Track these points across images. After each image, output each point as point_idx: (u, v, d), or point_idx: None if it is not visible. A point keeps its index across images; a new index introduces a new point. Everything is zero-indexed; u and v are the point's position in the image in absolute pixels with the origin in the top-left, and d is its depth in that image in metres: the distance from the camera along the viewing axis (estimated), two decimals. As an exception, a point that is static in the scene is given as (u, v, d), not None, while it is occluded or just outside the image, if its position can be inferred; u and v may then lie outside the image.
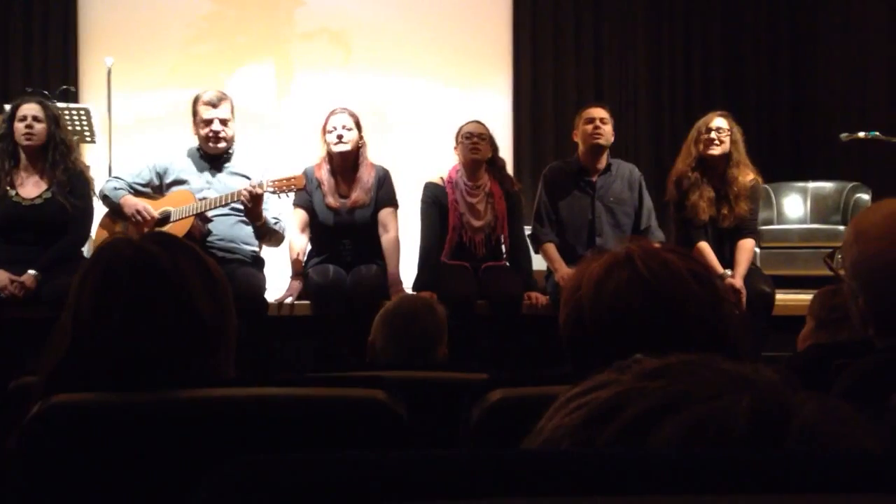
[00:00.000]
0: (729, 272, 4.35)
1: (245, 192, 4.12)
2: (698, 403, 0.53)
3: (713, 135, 4.43)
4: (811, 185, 6.22)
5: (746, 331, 4.00)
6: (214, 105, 4.29)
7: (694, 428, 0.52)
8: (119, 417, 1.22)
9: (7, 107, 4.29)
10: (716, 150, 4.42)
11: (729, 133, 4.45)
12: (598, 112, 4.56)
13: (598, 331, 1.25)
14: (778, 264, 5.48)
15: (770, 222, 6.03)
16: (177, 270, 1.29)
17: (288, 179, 4.19)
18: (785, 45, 7.21)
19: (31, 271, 4.00)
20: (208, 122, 4.28)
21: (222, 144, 4.34)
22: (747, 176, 4.46)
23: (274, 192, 4.19)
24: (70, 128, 5.05)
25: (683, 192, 4.46)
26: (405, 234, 4.56)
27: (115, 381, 1.24)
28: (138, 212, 4.24)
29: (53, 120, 4.15)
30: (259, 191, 4.12)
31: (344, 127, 4.36)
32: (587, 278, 1.27)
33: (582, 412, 0.55)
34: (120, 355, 1.26)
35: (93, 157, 5.84)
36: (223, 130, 4.30)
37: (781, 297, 4.52)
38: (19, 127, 4.10)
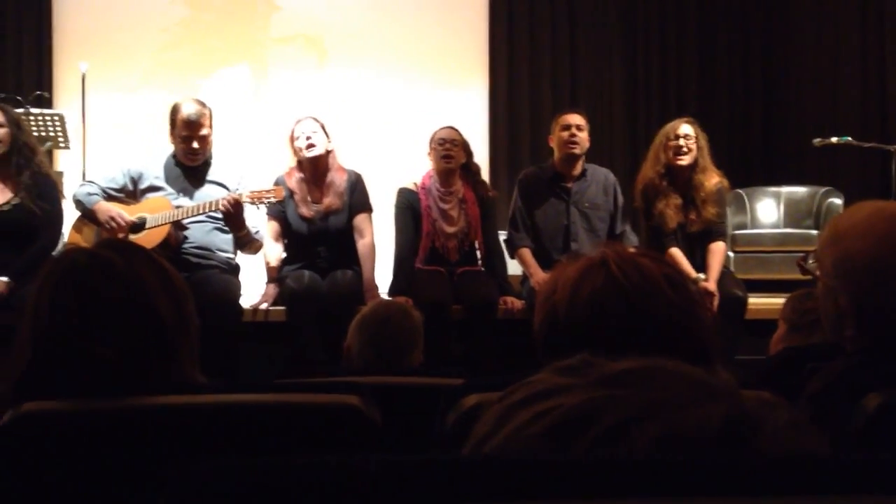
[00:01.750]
0: (702, 276, 4.38)
1: (225, 203, 4.10)
2: (673, 412, 0.53)
3: (681, 142, 4.44)
4: (784, 189, 6.28)
5: (719, 335, 4.02)
6: (193, 124, 4.21)
7: (671, 435, 0.52)
8: (90, 424, 1.21)
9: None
10: (684, 160, 4.44)
11: (695, 140, 4.47)
12: (575, 119, 4.58)
13: (572, 335, 1.25)
14: (751, 268, 5.52)
15: (743, 227, 6.07)
16: (132, 272, 1.29)
17: (267, 191, 4.18)
18: (758, 50, 7.27)
19: (3, 278, 3.95)
20: (186, 141, 4.25)
21: (200, 160, 4.31)
22: (712, 180, 4.49)
23: (252, 203, 4.17)
24: (44, 134, 5.01)
25: (650, 200, 4.48)
26: (380, 237, 4.56)
27: (81, 387, 1.23)
28: (112, 218, 4.20)
29: (15, 123, 4.09)
30: (239, 201, 4.10)
31: (311, 132, 4.36)
32: (562, 283, 1.27)
33: (548, 419, 0.55)
34: (81, 361, 1.25)
35: (67, 163, 5.80)
36: (202, 149, 4.27)
37: (755, 300, 4.55)
38: None
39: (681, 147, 4.43)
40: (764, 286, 5.17)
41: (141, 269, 1.30)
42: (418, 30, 6.90)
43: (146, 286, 1.29)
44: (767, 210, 6.24)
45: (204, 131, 4.26)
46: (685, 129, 4.47)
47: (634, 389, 0.54)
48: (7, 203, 4.07)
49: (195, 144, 4.24)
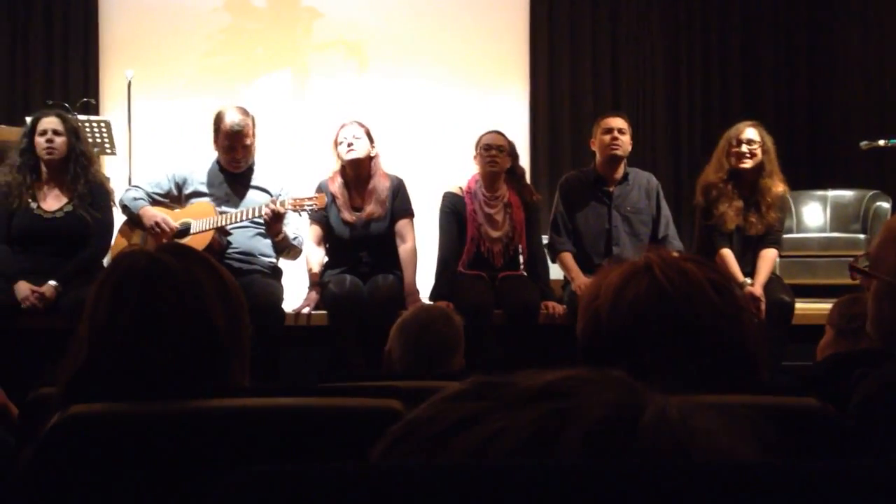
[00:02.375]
0: (749, 280, 4.32)
1: (267, 210, 4.13)
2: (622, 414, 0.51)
3: (744, 148, 4.37)
4: (830, 193, 6.18)
5: (765, 340, 3.97)
6: (236, 135, 4.24)
7: (644, 438, 0.50)
8: (136, 428, 1.22)
9: (28, 120, 4.32)
10: (747, 164, 4.37)
11: (760, 145, 4.39)
12: (617, 122, 4.54)
13: (615, 340, 1.24)
14: (797, 273, 5.44)
15: (789, 231, 5.98)
16: (190, 279, 1.30)
17: (309, 198, 4.21)
18: (803, 53, 7.17)
19: (52, 282, 4.02)
20: (229, 151, 4.29)
21: (243, 167, 4.36)
22: (778, 186, 4.43)
23: (294, 211, 4.20)
24: (91, 140, 5.08)
25: (711, 200, 4.42)
26: (422, 242, 4.56)
27: (133, 390, 1.24)
28: (157, 224, 4.26)
29: (73, 132, 4.17)
30: (281, 209, 4.13)
31: (354, 136, 4.38)
32: (605, 287, 1.26)
33: (507, 439, 0.51)
34: (136, 364, 1.26)
35: (113, 169, 5.89)
36: (244, 157, 4.32)
37: (801, 306, 4.48)
38: (40, 141, 4.11)
39: (744, 153, 4.36)
40: (810, 291, 5.09)
41: (198, 274, 1.32)
42: (459, 35, 6.91)
43: (203, 292, 1.30)
44: (814, 214, 6.14)
45: (247, 141, 4.29)
46: (749, 133, 4.40)
47: (576, 399, 0.52)
48: (60, 210, 4.15)
49: (238, 154, 4.29)
